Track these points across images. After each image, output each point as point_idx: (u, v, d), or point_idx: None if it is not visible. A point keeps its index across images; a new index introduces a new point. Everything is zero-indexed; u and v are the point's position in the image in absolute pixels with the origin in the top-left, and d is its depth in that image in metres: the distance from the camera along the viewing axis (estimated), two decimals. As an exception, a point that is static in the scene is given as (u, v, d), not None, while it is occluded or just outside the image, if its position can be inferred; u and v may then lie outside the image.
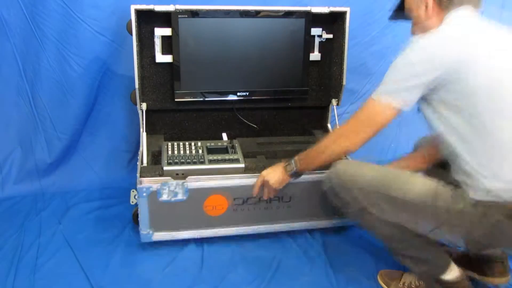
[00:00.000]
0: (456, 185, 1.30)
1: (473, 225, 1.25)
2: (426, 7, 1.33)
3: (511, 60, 1.23)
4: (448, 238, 1.33)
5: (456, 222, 1.26)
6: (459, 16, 1.28)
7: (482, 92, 1.19)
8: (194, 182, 1.65)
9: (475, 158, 1.22)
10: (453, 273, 1.39)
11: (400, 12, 1.45)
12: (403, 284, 1.48)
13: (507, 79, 1.20)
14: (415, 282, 1.46)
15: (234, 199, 1.70)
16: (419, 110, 1.35)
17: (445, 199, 1.26)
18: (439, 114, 1.26)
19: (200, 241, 1.75)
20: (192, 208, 1.68)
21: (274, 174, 1.58)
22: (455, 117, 1.23)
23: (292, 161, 1.54)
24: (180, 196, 1.64)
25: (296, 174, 1.55)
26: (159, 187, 1.61)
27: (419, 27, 1.38)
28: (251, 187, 1.66)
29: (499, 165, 1.20)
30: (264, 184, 1.61)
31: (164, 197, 1.63)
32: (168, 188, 1.63)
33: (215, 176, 1.68)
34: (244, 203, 1.72)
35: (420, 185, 1.31)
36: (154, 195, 1.62)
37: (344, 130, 1.41)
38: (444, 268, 1.39)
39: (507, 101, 1.20)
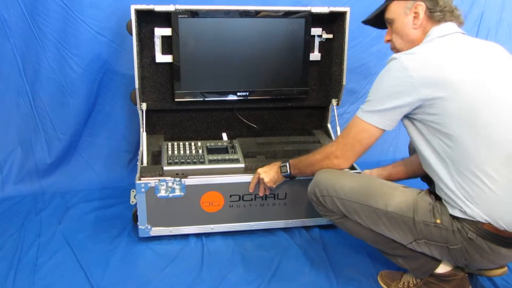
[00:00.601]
0: (437, 196, 1.32)
1: (449, 240, 1.27)
2: (416, 16, 1.33)
3: (492, 84, 1.22)
4: (427, 251, 1.34)
5: (433, 236, 1.28)
6: (442, 35, 1.28)
7: (462, 115, 1.19)
8: (191, 179, 1.66)
9: (454, 180, 1.24)
10: (445, 266, 1.40)
11: (379, 17, 1.45)
12: (403, 284, 1.48)
13: (487, 103, 1.20)
14: (413, 281, 1.46)
15: (230, 195, 1.71)
16: None
17: (424, 213, 1.28)
18: (421, 134, 1.28)
19: (200, 242, 1.75)
20: (189, 204, 1.69)
21: (270, 173, 1.63)
22: (436, 138, 1.24)
23: (287, 164, 1.58)
24: (177, 192, 1.66)
25: (290, 176, 1.60)
26: (157, 183, 1.63)
27: (401, 38, 1.37)
28: (247, 184, 1.69)
29: (476, 189, 1.21)
30: (260, 181, 1.66)
31: (162, 193, 1.65)
32: (166, 184, 1.63)
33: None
34: (240, 200, 1.73)
35: (400, 197, 1.32)
36: (152, 191, 1.64)
37: (333, 149, 1.42)
38: (436, 262, 1.39)
39: (487, 125, 1.20)
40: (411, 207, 1.29)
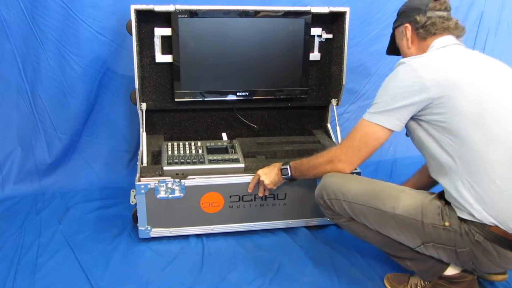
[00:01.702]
0: (447, 201, 1.32)
1: (457, 243, 1.27)
2: (407, 36, 1.41)
3: (496, 87, 1.25)
4: (434, 255, 1.33)
5: (441, 239, 1.28)
6: (444, 45, 1.33)
7: (470, 114, 1.21)
8: (191, 180, 1.67)
9: (463, 181, 1.24)
10: (455, 268, 1.39)
11: (393, 47, 1.53)
12: (411, 287, 1.47)
13: (494, 103, 1.22)
14: (421, 283, 1.46)
15: (230, 196, 1.71)
16: (407, 134, 1.39)
17: (432, 216, 1.28)
18: (430, 135, 1.28)
19: (200, 242, 1.75)
20: (189, 205, 1.69)
21: (270, 175, 1.63)
22: (445, 137, 1.25)
23: (288, 167, 1.57)
24: (177, 193, 1.66)
25: (291, 179, 1.60)
26: (157, 184, 1.63)
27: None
28: (247, 184, 1.70)
29: (486, 188, 1.21)
30: (259, 182, 1.66)
31: (162, 194, 1.65)
32: (165, 185, 1.64)
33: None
34: (240, 200, 1.73)
35: (408, 200, 1.32)
36: (152, 192, 1.64)
37: (338, 152, 1.42)
38: (445, 264, 1.39)
39: (495, 124, 1.21)
40: (419, 210, 1.29)
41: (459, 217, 1.26)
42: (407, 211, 1.30)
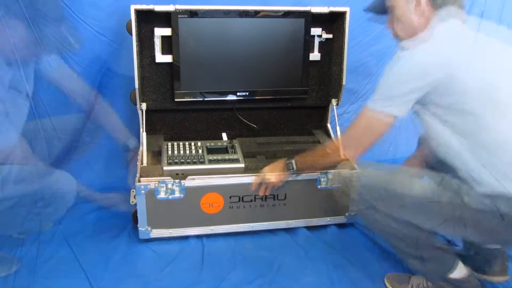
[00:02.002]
0: (462, 179, 1.29)
1: (479, 218, 1.24)
2: (418, 4, 1.30)
3: (499, 61, 1.24)
4: (454, 233, 1.33)
5: (461, 216, 1.26)
6: (446, 20, 1.27)
7: (476, 94, 1.19)
8: (190, 180, 1.67)
9: (476, 156, 1.22)
10: (460, 271, 1.39)
11: (380, 6, 1.41)
12: (411, 287, 1.47)
13: (498, 78, 1.22)
14: (423, 284, 1.45)
15: (230, 197, 1.71)
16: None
17: (450, 194, 1.26)
18: (437, 116, 1.27)
19: (200, 242, 1.75)
20: (189, 206, 1.69)
21: (275, 173, 1.63)
22: (453, 116, 1.23)
23: (293, 161, 1.58)
24: (177, 194, 1.66)
25: (296, 172, 1.61)
26: (156, 185, 1.63)
27: (402, 25, 1.34)
28: (247, 185, 1.70)
29: (502, 163, 1.19)
30: (264, 181, 1.66)
31: (162, 194, 1.64)
32: (165, 186, 1.63)
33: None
34: (240, 201, 1.73)
35: (423, 182, 1.31)
36: (151, 193, 1.64)
37: (343, 140, 1.42)
38: (451, 266, 1.38)
39: (503, 99, 1.20)
40: (437, 189, 1.28)
41: (478, 193, 1.23)
42: (424, 191, 1.29)
